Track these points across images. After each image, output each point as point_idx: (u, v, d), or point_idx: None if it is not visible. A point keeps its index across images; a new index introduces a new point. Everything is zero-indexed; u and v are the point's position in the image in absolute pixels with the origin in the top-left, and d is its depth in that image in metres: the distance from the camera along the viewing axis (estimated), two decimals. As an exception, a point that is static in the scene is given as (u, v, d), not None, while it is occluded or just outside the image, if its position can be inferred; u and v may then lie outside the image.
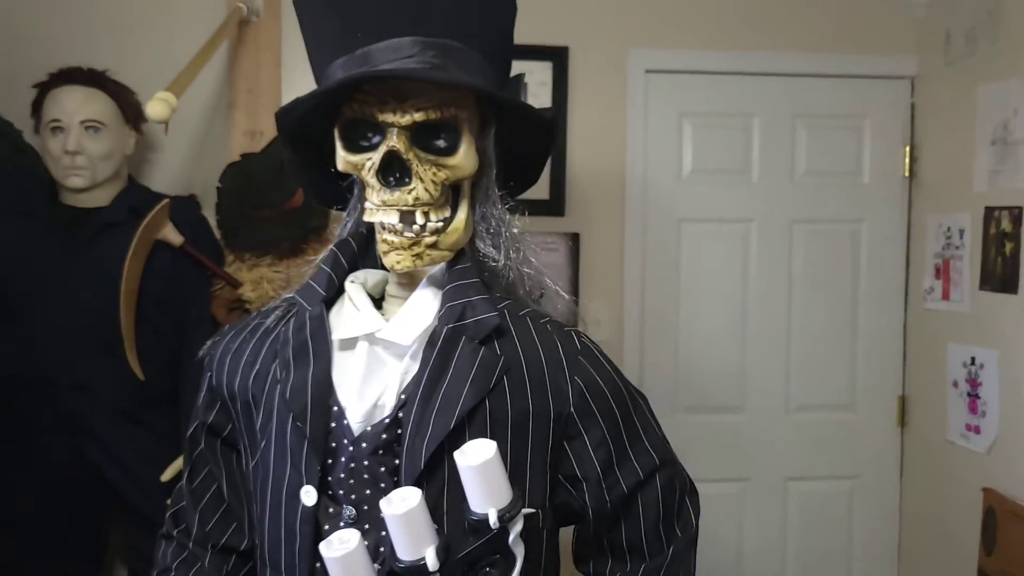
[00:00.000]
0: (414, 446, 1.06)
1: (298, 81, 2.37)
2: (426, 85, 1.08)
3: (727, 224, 2.78)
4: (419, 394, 1.08)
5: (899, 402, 2.84)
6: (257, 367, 1.18)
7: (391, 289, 1.21)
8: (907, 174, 2.81)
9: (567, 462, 1.16)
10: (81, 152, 2.16)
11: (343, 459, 1.10)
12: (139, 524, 2.16)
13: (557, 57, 2.66)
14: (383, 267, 1.19)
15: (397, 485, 1.06)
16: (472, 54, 1.13)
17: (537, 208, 2.58)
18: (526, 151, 1.26)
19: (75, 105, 2.17)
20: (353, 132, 1.12)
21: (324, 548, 1.00)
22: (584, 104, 2.68)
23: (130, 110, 2.25)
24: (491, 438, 1.04)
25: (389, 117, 1.08)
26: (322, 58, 1.17)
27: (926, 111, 2.76)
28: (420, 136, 1.10)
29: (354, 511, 1.10)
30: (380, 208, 1.11)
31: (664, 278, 2.76)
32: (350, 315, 1.17)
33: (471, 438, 1.04)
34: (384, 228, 1.12)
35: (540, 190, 2.65)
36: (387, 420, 1.10)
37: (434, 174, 1.10)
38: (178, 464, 2.05)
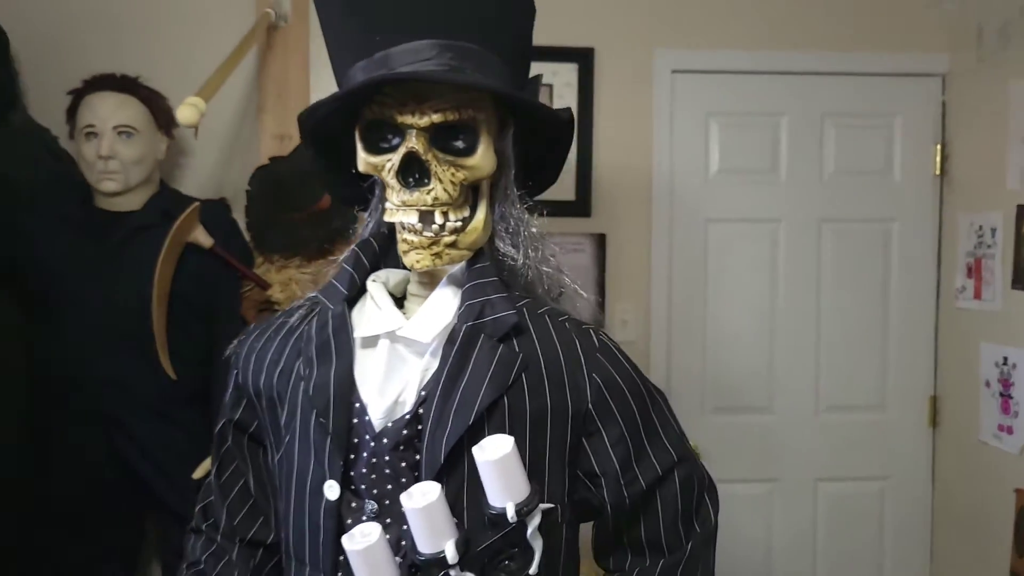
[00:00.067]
0: (434, 442, 1.08)
1: (326, 85, 2.38)
2: (444, 87, 1.10)
3: (755, 224, 2.77)
4: (439, 391, 1.10)
5: (931, 402, 2.81)
6: (281, 365, 1.20)
7: (412, 288, 1.23)
8: (938, 172, 2.78)
9: (585, 458, 1.18)
10: (114, 157, 2.20)
11: (365, 454, 1.12)
12: (171, 519, 2.20)
13: (583, 58, 2.66)
14: (404, 267, 1.20)
15: (418, 480, 1.08)
16: (490, 56, 1.15)
17: (563, 209, 2.64)
18: (544, 151, 1.27)
19: (108, 111, 2.21)
20: (373, 134, 1.14)
21: (346, 541, 1.02)
22: (610, 105, 2.69)
23: (162, 115, 2.30)
24: (509, 434, 1.05)
25: (408, 119, 1.10)
26: (343, 61, 1.19)
27: (958, 108, 2.73)
28: (439, 137, 1.11)
29: (376, 505, 1.12)
30: (400, 208, 1.13)
31: (691, 278, 2.76)
32: (372, 313, 1.19)
33: (490, 434, 1.06)
34: (404, 228, 1.14)
35: (566, 191, 2.66)
36: (408, 416, 1.11)
37: (453, 174, 1.12)
38: (209, 462, 2.09)
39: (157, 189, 2.34)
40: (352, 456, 1.13)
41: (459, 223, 1.14)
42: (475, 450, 1.00)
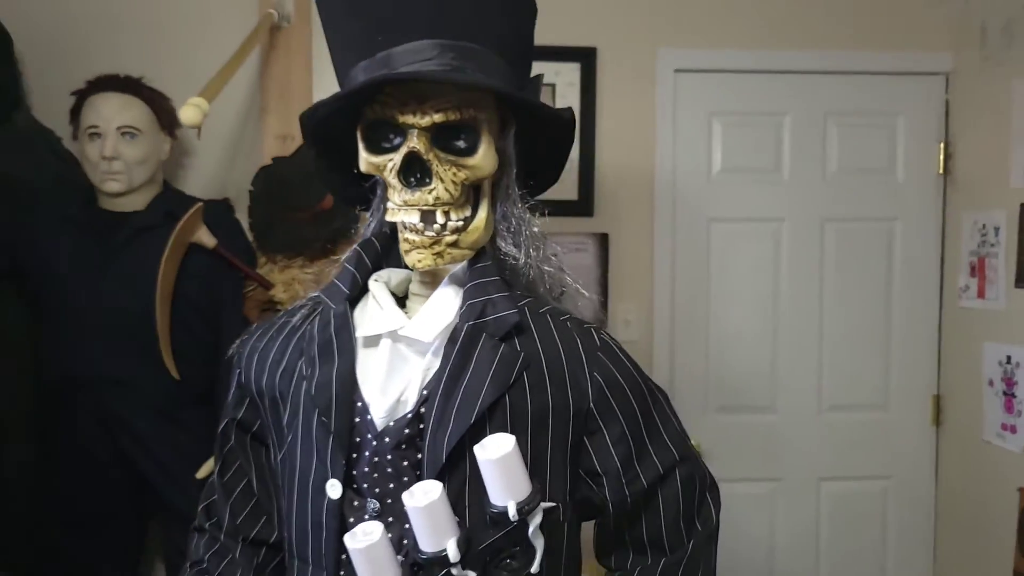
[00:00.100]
0: (436, 440, 1.08)
1: (328, 86, 2.37)
2: (445, 87, 1.10)
3: (758, 223, 2.78)
4: (440, 390, 1.10)
5: (934, 401, 2.81)
6: (284, 364, 1.21)
7: (414, 287, 1.23)
8: (941, 171, 2.78)
9: (587, 457, 1.18)
10: (118, 157, 2.21)
11: (367, 453, 1.13)
12: (175, 519, 2.21)
13: (585, 58, 2.67)
14: (406, 266, 1.21)
15: (420, 479, 1.08)
16: (491, 56, 1.15)
17: (566, 208, 2.64)
18: (546, 151, 1.27)
19: (112, 111, 2.22)
20: (375, 134, 1.14)
21: (348, 540, 1.03)
22: (613, 104, 2.69)
23: (165, 116, 2.30)
24: (511, 433, 1.05)
25: (409, 119, 1.10)
26: (345, 61, 1.19)
27: (961, 107, 2.73)
28: (440, 137, 1.12)
29: (378, 504, 1.12)
30: (402, 208, 1.13)
31: (694, 278, 2.76)
32: (374, 313, 1.19)
33: (491, 433, 1.06)
34: (406, 227, 1.15)
35: (569, 190, 2.67)
36: (409, 415, 1.12)
37: (454, 174, 1.12)
38: (212, 462, 2.09)
39: (160, 190, 2.35)
40: (354, 455, 1.13)
41: (461, 222, 1.14)
42: (476, 449, 1.00)
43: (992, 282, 2.54)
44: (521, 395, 1.12)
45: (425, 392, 1.12)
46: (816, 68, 2.74)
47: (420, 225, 1.13)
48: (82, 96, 2.26)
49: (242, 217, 2.45)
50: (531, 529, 1.02)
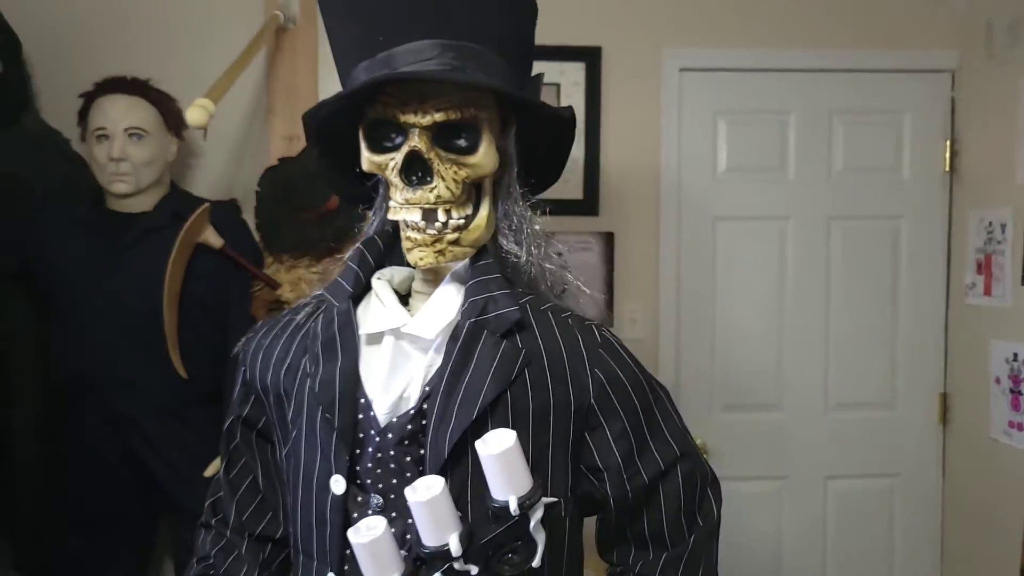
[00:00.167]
0: (438, 436, 1.09)
1: (334, 87, 2.36)
2: (446, 86, 1.12)
3: (763, 222, 2.77)
4: (442, 386, 1.11)
5: (940, 399, 2.81)
6: (288, 361, 1.22)
7: (417, 285, 1.24)
8: (948, 169, 2.77)
9: (588, 453, 1.18)
10: (125, 159, 2.23)
11: (370, 449, 1.14)
12: (184, 518, 2.22)
13: (590, 57, 2.67)
14: (409, 264, 1.22)
15: (422, 474, 1.09)
16: (491, 55, 1.16)
17: (571, 208, 2.65)
18: (547, 150, 1.28)
19: (119, 113, 2.24)
20: (376, 133, 1.16)
21: (352, 534, 1.04)
22: (618, 104, 2.69)
23: (172, 117, 2.32)
24: (512, 429, 1.06)
25: (411, 118, 1.11)
26: (347, 61, 1.21)
27: (967, 105, 2.72)
28: (441, 136, 1.13)
29: (381, 499, 1.13)
30: (403, 206, 1.14)
31: (700, 277, 2.76)
32: (377, 311, 1.20)
33: (493, 429, 1.07)
34: (408, 226, 1.16)
35: (574, 190, 2.67)
36: (412, 411, 1.13)
37: (455, 173, 1.13)
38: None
39: (168, 190, 2.37)
40: (358, 451, 1.14)
41: (462, 221, 1.16)
42: (478, 444, 1.01)
43: (998, 280, 2.54)
44: (523, 391, 1.13)
45: (427, 389, 1.13)
46: (821, 66, 2.74)
47: (422, 223, 1.14)
48: (90, 98, 2.28)
49: (249, 217, 2.46)
50: (532, 524, 1.02)
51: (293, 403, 1.20)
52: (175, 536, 2.37)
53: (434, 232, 1.14)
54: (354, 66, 1.18)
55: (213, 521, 1.33)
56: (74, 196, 2.32)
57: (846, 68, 2.74)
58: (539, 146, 1.25)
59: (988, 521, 2.58)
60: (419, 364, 1.15)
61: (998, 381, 2.52)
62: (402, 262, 1.26)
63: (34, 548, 2.29)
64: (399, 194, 1.14)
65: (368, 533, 1.03)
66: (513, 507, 1.00)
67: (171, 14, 2.56)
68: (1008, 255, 2.49)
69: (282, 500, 1.29)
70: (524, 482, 1.02)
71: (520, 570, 1.04)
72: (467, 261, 1.20)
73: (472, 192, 1.17)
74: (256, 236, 2.45)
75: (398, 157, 1.13)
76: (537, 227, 1.24)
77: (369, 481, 1.14)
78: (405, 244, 1.17)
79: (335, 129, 1.21)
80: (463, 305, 1.16)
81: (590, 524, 1.26)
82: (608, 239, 2.71)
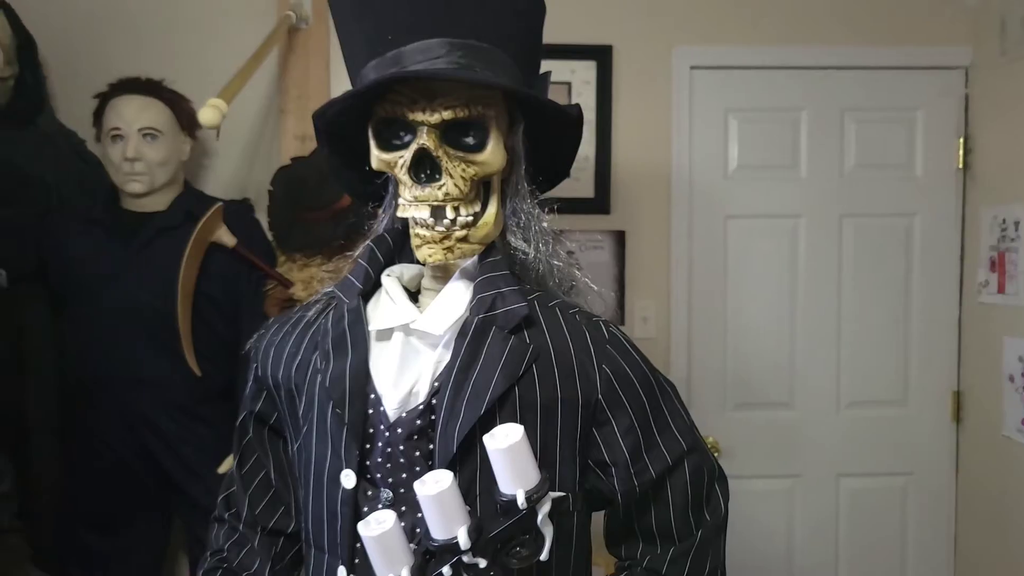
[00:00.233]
0: (447, 431, 1.10)
1: (345, 86, 2.36)
2: (454, 84, 1.13)
3: (775, 220, 2.77)
4: (451, 382, 1.12)
5: (954, 397, 2.79)
6: (299, 357, 1.23)
7: (426, 282, 1.25)
8: (961, 166, 2.76)
9: (596, 448, 1.19)
10: (140, 159, 2.25)
11: (380, 444, 1.15)
12: (198, 513, 2.24)
13: (601, 56, 2.67)
14: (419, 261, 1.23)
15: (431, 469, 1.11)
16: (499, 54, 1.17)
17: (583, 206, 2.65)
18: (555, 147, 1.29)
19: (133, 114, 2.26)
20: (386, 131, 1.17)
21: (362, 528, 1.05)
22: (629, 102, 2.69)
23: (185, 117, 2.34)
24: (520, 423, 1.07)
25: (419, 116, 1.13)
26: (356, 60, 1.22)
27: (981, 101, 2.71)
28: (449, 134, 1.14)
29: (391, 494, 1.15)
30: (412, 204, 1.15)
31: (711, 275, 2.76)
32: (386, 307, 1.21)
33: (501, 423, 1.08)
34: (416, 223, 1.17)
35: (586, 188, 2.68)
36: (421, 407, 1.14)
37: (463, 170, 1.14)
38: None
39: (182, 190, 2.39)
40: (368, 446, 1.16)
41: (470, 218, 1.17)
42: (486, 438, 1.02)
43: (1012, 277, 2.52)
44: (530, 387, 1.14)
45: (436, 384, 1.14)
46: (833, 64, 2.73)
47: (430, 220, 1.15)
48: (104, 99, 2.30)
49: (262, 217, 2.48)
50: (540, 517, 1.03)
51: (304, 398, 1.21)
52: (190, 532, 2.39)
53: (443, 229, 1.15)
54: (363, 65, 1.19)
55: (226, 515, 1.35)
56: (89, 196, 2.34)
57: (858, 65, 2.73)
58: (547, 144, 1.26)
59: (1002, 519, 2.57)
60: (428, 360, 1.17)
61: (1012, 379, 2.51)
62: (412, 259, 1.27)
63: (51, 544, 2.31)
64: (408, 191, 1.15)
65: (378, 526, 1.04)
66: (521, 501, 1.01)
67: (184, 15, 2.58)
68: (1021, 252, 2.48)
69: (294, 494, 1.30)
70: (532, 476, 1.02)
71: (528, 563, 1.04)
72: (476, 258, 1.21)
73: (480, 189, 1.18)
74: (269, 235, 2.46)
75: (407, 155, 1.14)
76: (545, 224, 1.25)
77: (379, 475, 1.15)
78: (414, 241, 1.18)
79: (345, 128, 1.23)
80: (472, 301, 1.17)
81: (598, 519, 1.27)
82: (619, 237, 2.71)
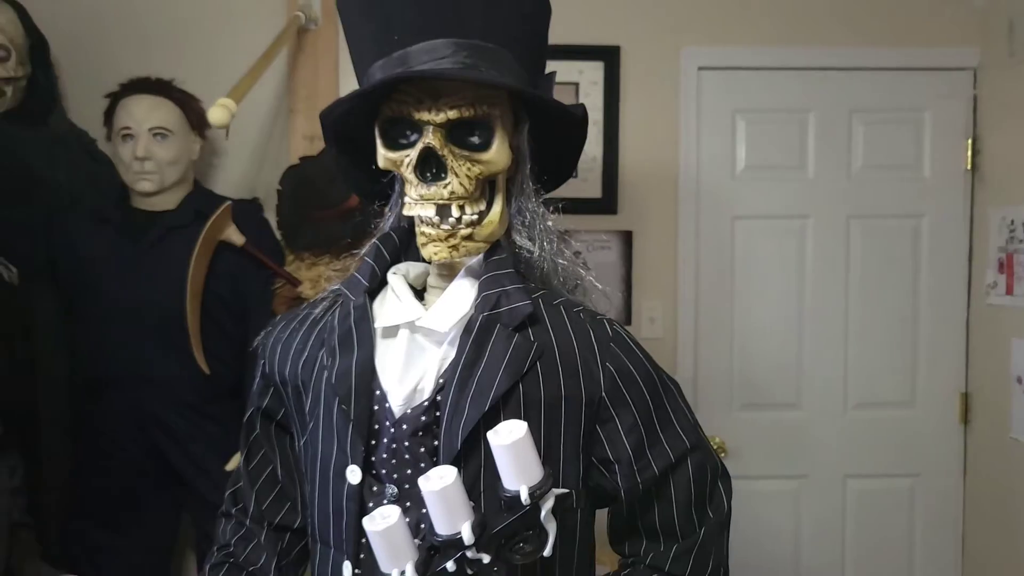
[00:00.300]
0: (451, 428, 1.11)
1: (354, 86, 2.41)
2: (459, 84, 1.14)
3: (782, 220, 2.77)
4: (456, 379, 1.13)
5: (961, 399, 2.79)
6: (306, 354, 1.24)
7: (431, 280, 1.27)
8: (969, 167, 2.76)
9: (599, 445, 1.20)
10: (150, 158, 2.27)
11: (385, 440, 1.16)
12: (206, 510, 2.25)
13: (609, 56, 2.68)
14: (424, 259, 1.24)
15: (436, 465, 1.11)
16: (504, 54, 1.18)
17: (590, 206, 2.66)
18: (560, 147, 1.30)
19: (143, 113, 2.28)
20: (392, 130, 1.18)
21: (367, 522, 1.06)
22: (636, 102, 2.70)
23: (195, 117, 2.35)
24: (524, 420, 1.08)
25: (425, 115, 1.14)
26: (363, 60, 1.23)
27: (989, 102, 2.70)
28: (455, 133, 1.15)
29: (396, 489, 1.16)
30: (418, 202, 1.16)
31: (718, 275, 2.76)
32: (392, 305, 1.22)
33: (505, 420, 1.08)
34: (422, 221, 1.18)
35: (593, 188, 2.68)
36: (426, 403, 1.15)
37: (468, 169, 1.15)
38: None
39: (191, 189, 2.40)
40: (373, 442, 1.17)
41: (475, 216, 1.18)
42: (490, 435, 1.03)
43: (1020, 278, 2.52)
44: (534, 384, 1.15)
45: (441, 381, 1.15)
46: (841, 64, 2.73)
47: (436, 219, 1.16)
48: (115, 98, 2.32)
49: (270, 216, 2.49)
50: (543, 513, 1.04)
51: (310, 395, 1.23)
52: (198, 528, 2.40)
53: (448, 227, 1.16)
54: (370, 65, 1.20)
55: (233, 510, 1.36)
56: (100, 195, 2.36)
57: (866, 66, 2.73)
58: (552, 144, 1.27)
59: (1010, 521, 2.57)
60: (433, 357, 1.18)
61: (1020, 380, 2.50)
62: (417, 257, 1.28)
63: (61, 541, 2.33)
64: (414, 190, 1.16)
65: (383, 522, 1.05)
66: (524, 497, 1.01)
67: (194, 16, 2.59)
68: (1030, 254, 2.47)
69: (300, 490, 1.32)
70: (535, 472, 1.03)
71: (532, 559, 1.05)
72: (481, 256, 1.22)
73: (485, 188, 1.19)
74: (277, 234, 2.47)
75: (413, 154, 1.15)
76: (550, 223, 1.26)
77: (384, 471, 1.16)
78: (420, 239, 1.20)
79: (351, 127, 1.24)
80: (476, 299, 1.18)
81: (602, 516, 1.27)
82: (627, 238, 2.71)
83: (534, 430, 1.07)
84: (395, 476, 1.16)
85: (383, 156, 1.19)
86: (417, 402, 1.16)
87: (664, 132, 2.71)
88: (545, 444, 1.14)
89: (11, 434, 2.06)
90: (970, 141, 2.75)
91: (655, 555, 1.23)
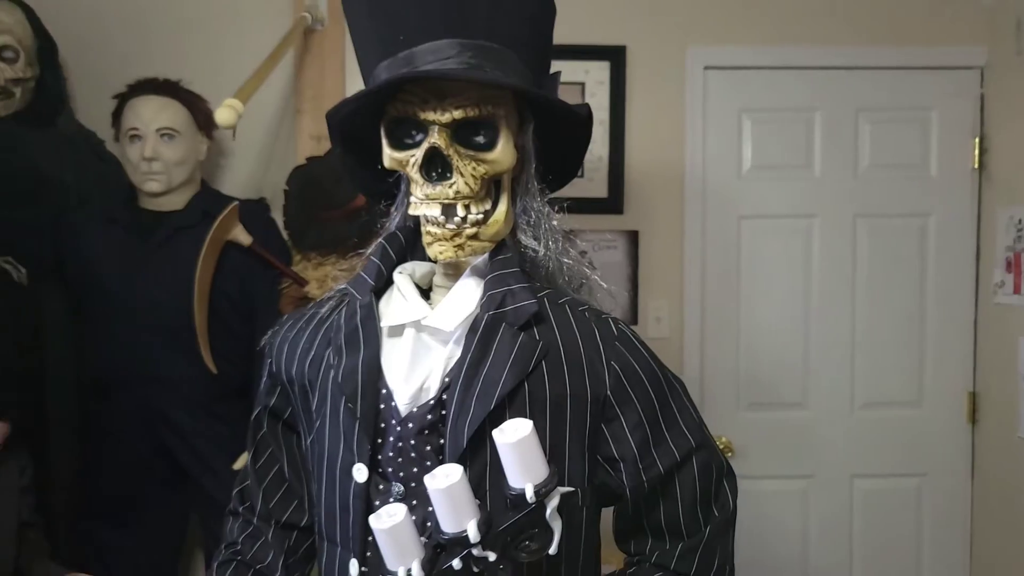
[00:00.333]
0: (457, 426, 1.12)
1: (361, 87, 2.43)
2: (464, 84, 1.14)
3: (788, 220, 2.76)
4: (461, 377, 1.14)
5: (969, 398, 2.78)
6: (312, 353, 1.25)
7: (437, 279, 1.27)
8: (976, 166, 2.75)
9: (605, 444, 1.20)
10: (157, 158, 2.28)
11: (391, 439, 1.17)
12: (214, 510, 2.25)
13: (615, 56, 2.68)
14: (430, 259, 1.24)
15: (442, 463, 1.12)
16: (509, 54, 1.19)
17: (596, 206, 2.66)
18: (565, 147, 1.30)
19: (151, 114, 2.29)
20: (398, 130, 1.19)
21: (373, 520, 1.06)
22: (642, 102, 2.70)
23: (202, 118, 2.36)
24: (530, 419, 1.08)
25: (430, 115, 1.14)
26: (369, 60, 1.24)
27: (996, 101, 2.70)
28: (460, 133, 1.16)
29: (402, 488, 1.16)
30: (424, 202, 1.17)
31: (725, 275, 2.76)
32: (398, 304, 1.23)
33: (511, 419, 1.09)
34: (428, 221, 1.18)
35: (599, 188, 2.69)
36: (432, 402, 1.15)
37: (474, 169, 1.16)
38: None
39: (198, 189, 2.41)
40: (379, 440, 1.17)
41: (480, 216, 1.18)
42: (495, 433, 1.03)
43: (1028, 277, 2.52)
44: (540, 383, 1.15)
45: (447, 380, 1.16)
46: (847, 64, 2.72)
47: (441, 218, 1.17)
48: (123, 99, 2.33)
49: (277, 216, 2.50)
50: (549, 511, 1.04)
51: (317, 393, 1.23)
52: (206, 527, 2.41)
53: (453, 227, 1.17)
54: (376, 65, 1.21)
55: (240, 509, 1.37)
56: (108, 195, 2.37)
57: (873, 65, 2.73)
58: (557, 143, 1.27)
59: (1018, 521, 2.56)
60: (439, 356, 1.18)
61: (1027, 380, 2.50)
62: (423, 257, 1.28)
63: (69, 540, 2.34)
64: (419, 190, 1.17)
65: (389, 519, 1.05)
66: (529, 495, 1.02)
67: (201, 17, 2.60)
68: (1038, 253, 2.47)
69: (307, 488, 1.32)
70: (540, 470, 1.03)
71: (537, 557, 1.05)
72: (486, 256, 1.22)
73: (491, 188, 1.20)
74: (284, 234, 2.48)
75: (418, 154, 1.16)
76: (555, 223, 1.27)
77: (390, 469, 1.17)
78: (425, 239, 1.20)
79: (358, 127, 1.24)
80: (482, 298, 1.18)
81: (607, 514, 1.28)
82: (633, 237, 2.71)
83: (539, 429, 1.07)
84: (401, 474, 1.16)
85: (389, 156, 1.20)
86: (423, 401, 1.16)
87: (670, 132, 2.71)
88: (550, 442, 1.14)
89: (20, 434, 2.08)
90: (977, 140, 2.74)
91: (660, 553, 1.23)
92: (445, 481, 1.03)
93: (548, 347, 1.17)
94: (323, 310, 1.29)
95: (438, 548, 1.07)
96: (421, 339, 1.20)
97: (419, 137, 1.17)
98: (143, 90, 2.31)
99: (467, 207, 1.17)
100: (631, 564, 1.26)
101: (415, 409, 1.16)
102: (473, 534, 1.02)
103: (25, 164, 2.29)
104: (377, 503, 1.15)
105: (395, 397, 1.17)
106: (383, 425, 1.17)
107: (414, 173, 1.17)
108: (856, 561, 2.81)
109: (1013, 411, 2.57)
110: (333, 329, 1.24)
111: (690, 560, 1.21)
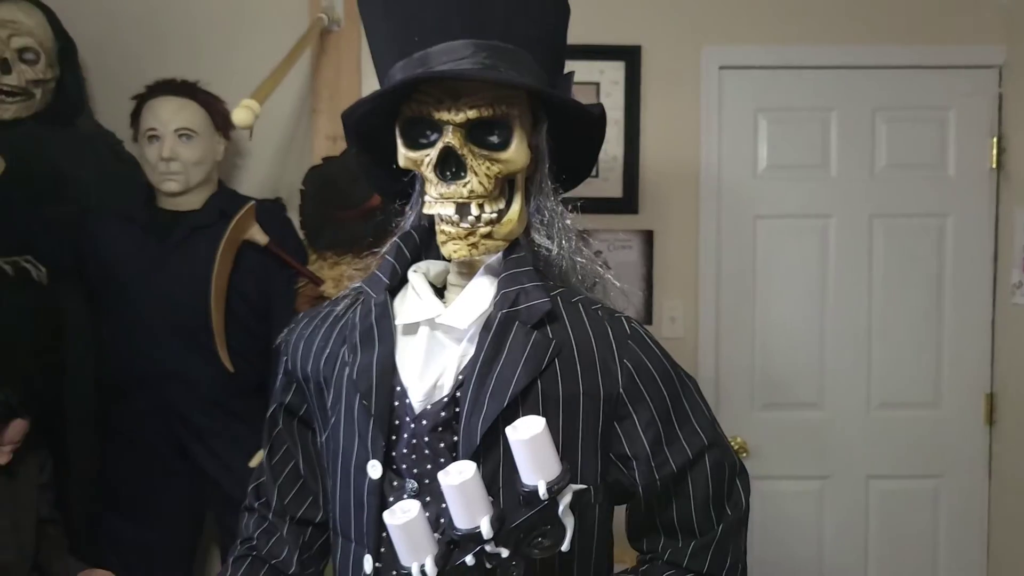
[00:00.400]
0: (470, 423, 1.13)
1: (376, 87, 2.44)
2: (479, 84, 1.15)
3: (804, 220, 2.75)
4: (475, 375, 1.14)
5: (987, 400, 2.76)
6: (328, 351, 1.26)
7: (451, 278, 1.28)
8: (994, 166, 2.73)
9: (617, 441, 1.20)
10: (175, 158, 2.30)
11: (405, 435, 1.18)
12: (230, 506, 2.27)
13: (630, 56, 2.68)
14: (444, 257, 1.25)
15: (455, 460, 1.12)
16: (523, 54, 1.20)
17: (611, 206, 2.66)
18: (579, 146, 1.30)
19: (169, 114, 2.31)
20: (412, 130, 1.20)
21: (387, 516, 1.07)
22: (657, 102, 2.70)
23: (219, 118, 2.38)
24: (543, 417, 1.08)
25: (445, 115, 1.15)
26: (384, 61, 1.25)
27: (1015, 101, 2.68)
28: (474, 132, 1.16)
29: (416, 484, 1.17)
30: (438, 201, 1.18)
31: (740, 275, 2.75)
32: (412, 302, 1.24)
33: (524, 416, 1.09)
34: (442, 219, 1.19)
35: (614, 188, 2.69)
36: (445, 399, 1.16)
37: (488, 168, 1.17)
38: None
39: (216, 189, 2.43)
40: (393, 437, 1.18)
41: (494, 215, 1.19)
42: (508, 430, 1.04)
43: (1046, 278, 2.50)
44: (552, 381, 1.16)
45: (461, 377, 1.17)
46: (864, 63, 2.71)
47: (455, 217, 1.18)
48: (141, 100, 2.36)
49: (293, 215, 2.51)
50: (561, 508, 1.04)
51: (332, 390, 1.24)
52: (222, 524, 2.43)
53: (467, 226, 1.18)
54: (391, 65, 1.22)
55: (256, 505, 1.38)
56: (126, 195, 2.39)
57: (889, 64, 2.71)
58: (571, 143, 1.28)
59: (1035, 523, 2.54)
60: (453, 354, 1.19)
61: (1045, 381, 2.48)
62: (438, 255, 1.29)
63: (87, 535, 2.37)
64: (434, 189, 1.18)
65: (403, 516, 1.06)
66: (542, 491, 1.02)
67: (218, 18, 2.62)
68: (1056, 253, 2.45)
69: (322, 485, 1.33)
70: (553, 467, 1.04)
71: (550, 554, 1.06)
72: (500, 254, 1.23)
73: (505, 187, 1.21)
74: (300, 233, 2.50)
75: (433, 153, 1.17)
76: (568, 222, 1.27)
77: (404, 466, 1.18)
78: (440, 238, 1.21)
79: (373, 127, 1.25)
80: (496, 297, 1.19)
81: (620, 512, 1.28)
82: (648, 237, 2.71)
83: (552, 426, 1.08)
84: (415, 471, 1.17)
85: (404, 155, 1.21)
86: (437, 398, 1.17)
87: (685, 131, 2.71)
88: (563, 440, 1.14)
89: (40, 431, 2.10)
90: (995, 140, 2.72)
91: (673, 551, 1.23)
92: (458, 478, 1.03)
93: (561, 345, 1.17)
94: (338, 308, 1.30)
95: (451, 544, 1.08)
96: (435, 337, 1.20)
97: (434, 137, 1.18)
98: (161, 91, 2.33)
99: (481, 206, 1.17)
100: (643, 562, 1.27)
101: (429, 406, 1.17)
102: (486, 530, 1.03)
103: (45, 165, 2.32)
104: (391, 499, 1.16)
105: (409, 394, 1.18)
106: (397, 422, 1.18)
107: (428, 172, 1.18)
108: (871, 563, 2.80)
109: (1031, 412, 2.55)
110: (348, 327, 1.25)
111: (703, 558, 1.22)
